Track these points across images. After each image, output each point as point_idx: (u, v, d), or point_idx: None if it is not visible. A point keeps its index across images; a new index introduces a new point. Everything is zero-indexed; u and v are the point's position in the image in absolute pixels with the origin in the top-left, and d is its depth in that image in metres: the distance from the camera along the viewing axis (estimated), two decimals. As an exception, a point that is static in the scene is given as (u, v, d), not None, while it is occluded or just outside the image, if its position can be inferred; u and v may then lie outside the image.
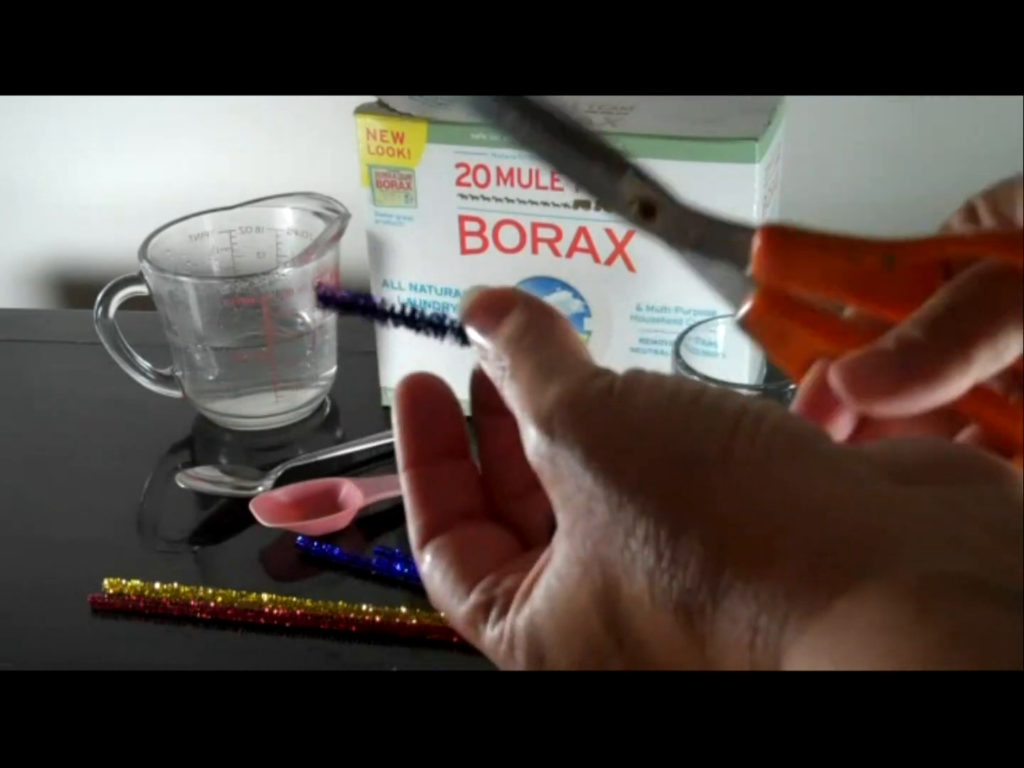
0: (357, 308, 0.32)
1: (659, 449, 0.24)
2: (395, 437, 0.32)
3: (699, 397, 0.24)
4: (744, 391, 0.28)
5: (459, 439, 0.31)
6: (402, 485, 0.31)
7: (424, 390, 0.31)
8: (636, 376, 0.26)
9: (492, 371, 0.29)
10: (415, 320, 0.32)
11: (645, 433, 0.24)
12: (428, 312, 0.32)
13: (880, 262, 0.30)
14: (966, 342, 0.28)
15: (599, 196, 0.33)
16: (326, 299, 0.32)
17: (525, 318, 0.29)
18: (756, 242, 0.31)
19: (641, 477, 0.23)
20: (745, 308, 0.31)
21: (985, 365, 0.28)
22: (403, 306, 0.32)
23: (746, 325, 0.32)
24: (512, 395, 0.27)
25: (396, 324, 0.32)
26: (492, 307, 0.29)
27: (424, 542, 0.29)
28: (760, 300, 0.31)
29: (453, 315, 0.31)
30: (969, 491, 0.23)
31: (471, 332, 0.30)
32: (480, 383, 0.30)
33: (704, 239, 0.32)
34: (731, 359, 0.68)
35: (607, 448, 0.24)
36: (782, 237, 0.31)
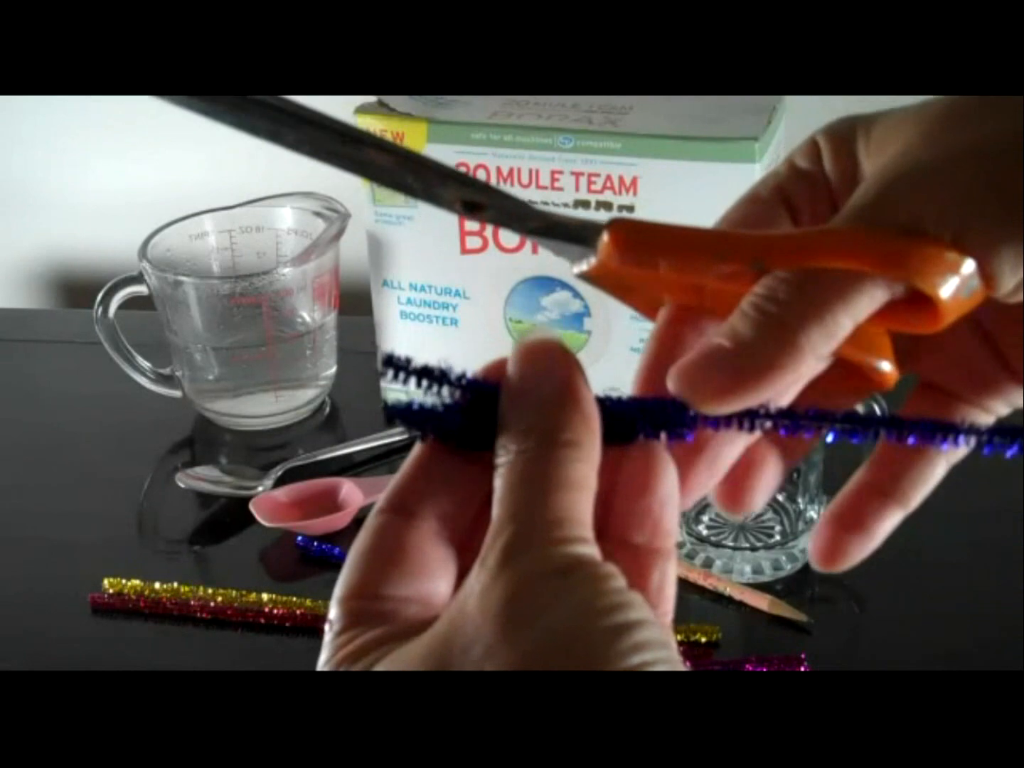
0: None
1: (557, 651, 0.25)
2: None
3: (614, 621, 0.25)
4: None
5: None
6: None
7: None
8: (586, 573, 0.26)
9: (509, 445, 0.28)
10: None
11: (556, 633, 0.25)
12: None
13: (748, 265, 0.29)
14: (794, 333, 0.28)
15: (418, 196, 0.31)
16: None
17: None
18: (604, 239, 0.30)
19: (525, 659, 0.24)
20: (584, 267, 0.30)
21: (819, 349, 0.28)
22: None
23: (586, 279, 0.31)
24: (504, 503, 0.27)
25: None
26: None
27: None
28: (598, 266, 0.30)
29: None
30: None
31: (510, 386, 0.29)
32: None
33: (546, 230, 0.31)
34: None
35: (517, 629, 0.25)
36: (634, 235, 0.30)
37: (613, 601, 0.25)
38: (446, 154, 0.72)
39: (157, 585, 0.65)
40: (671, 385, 0.29)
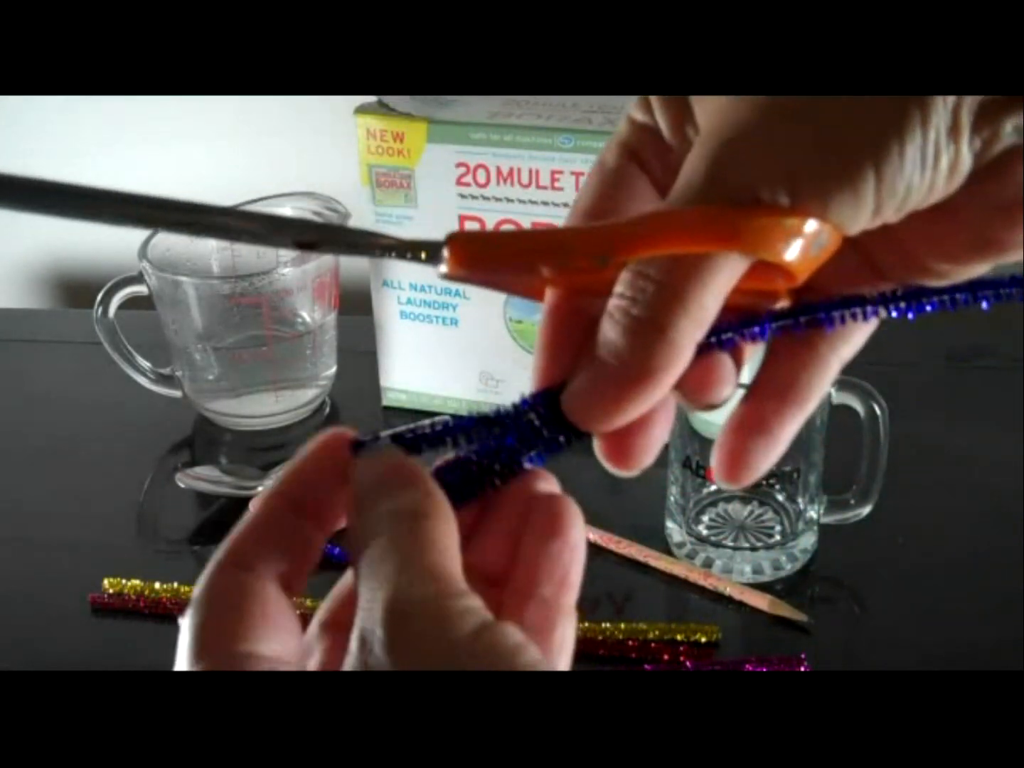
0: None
1: None
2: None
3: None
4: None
5: None
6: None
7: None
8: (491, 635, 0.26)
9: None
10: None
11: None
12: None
13: (592, 262, 0.29)
14: (664, 330, 0.28)
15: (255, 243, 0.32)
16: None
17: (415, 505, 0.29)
18: (446, 255, 0.30)
19: None
20: (443, 270, 0.30)
21: (694, 337, 0.28)
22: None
23: (448, 279, 0.31)
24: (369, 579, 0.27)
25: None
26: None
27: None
28: (452, 276, 0.30)
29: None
30: None
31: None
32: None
33: (390, 252, 0.31)
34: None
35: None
36: (473, 249, 0.30)
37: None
38: (446, 154, 0.72)
39: (157, 585, 0.65)
40: (568, 416, 0.29)
